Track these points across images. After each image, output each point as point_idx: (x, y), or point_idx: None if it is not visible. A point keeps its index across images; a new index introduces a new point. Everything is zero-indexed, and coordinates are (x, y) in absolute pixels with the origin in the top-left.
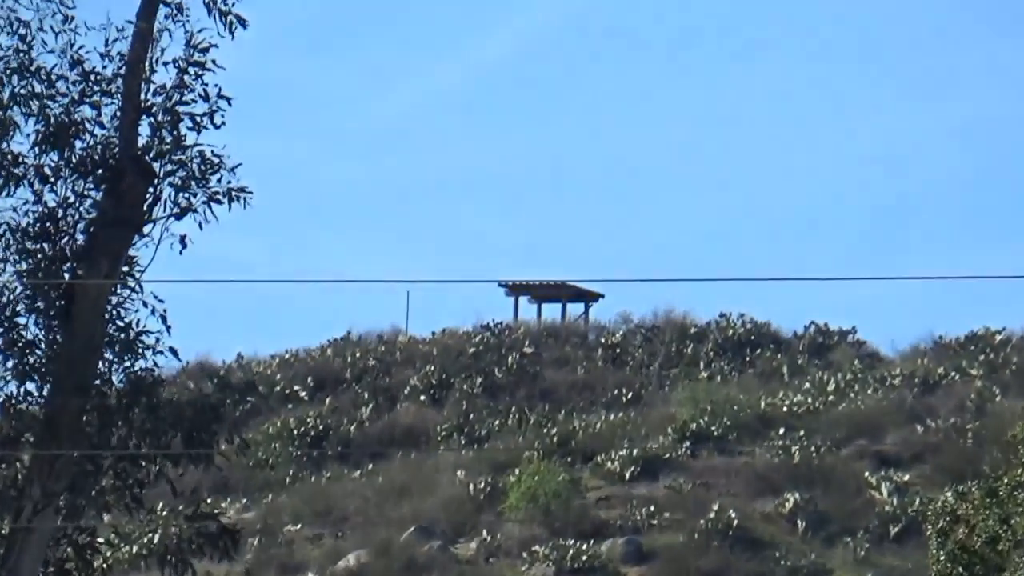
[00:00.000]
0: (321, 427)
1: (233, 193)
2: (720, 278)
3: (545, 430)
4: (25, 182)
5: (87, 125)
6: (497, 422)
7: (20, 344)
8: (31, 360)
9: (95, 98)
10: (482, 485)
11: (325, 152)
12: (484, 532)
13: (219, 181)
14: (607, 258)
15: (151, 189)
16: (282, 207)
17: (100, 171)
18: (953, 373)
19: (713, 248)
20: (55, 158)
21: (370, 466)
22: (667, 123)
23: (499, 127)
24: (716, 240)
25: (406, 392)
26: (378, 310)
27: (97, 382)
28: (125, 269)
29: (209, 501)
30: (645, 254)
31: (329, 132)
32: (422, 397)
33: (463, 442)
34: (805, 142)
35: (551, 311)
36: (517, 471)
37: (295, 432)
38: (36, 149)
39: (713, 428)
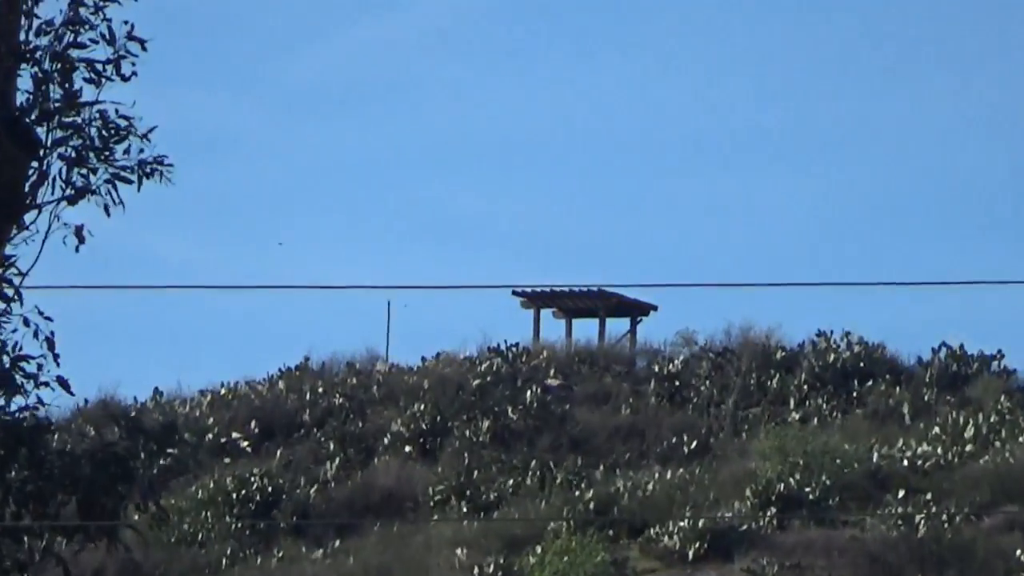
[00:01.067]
0: (270, 489)
1: (147, 167)
2: (816, 282)
3: (578, 492)
4: None
5: None
6: (511, 482)
7: None
8: None
9: None
10: (491, 567)
11: (267, 111)
12: None
13: (128, 152)
14: (661, 257)
15: (34, 163)
16: (216, 186)
17: None
18: None
19: (804, 245)
20: None
21: (337, 542)
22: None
23: (489, 74)
24: (807, 235)
25: (386, 441)
26: (348, 328)
27: None
28: None
29: None
30: (713, 252)
31: (273, 86)
32: (408, 448)
33: (465, 509)
34: (929, 126)
35: (584, 329)
36: (539, 548)
37: (234, 496)
38: None
39: (808, 490)
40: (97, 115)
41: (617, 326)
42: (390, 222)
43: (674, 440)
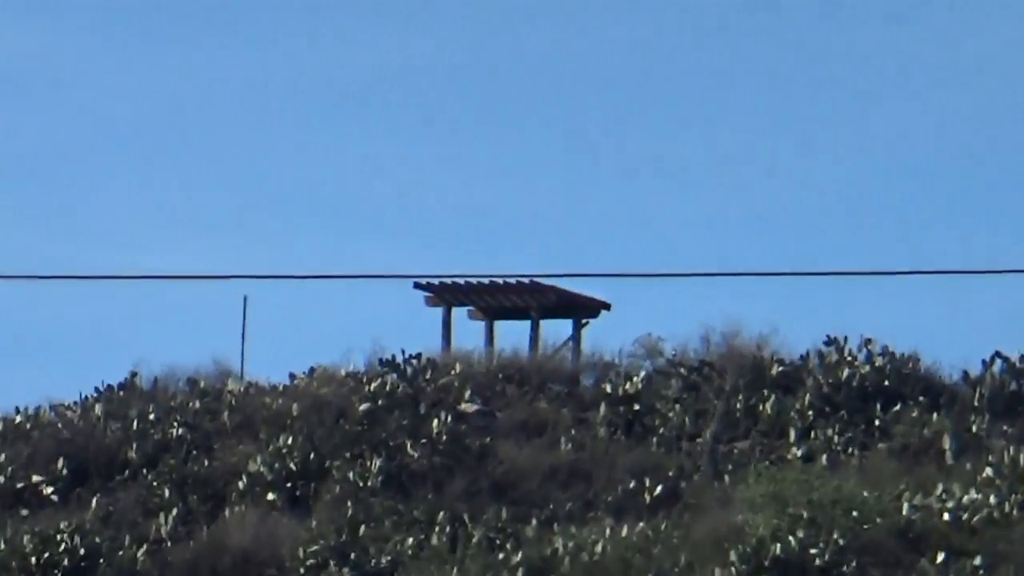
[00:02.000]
0: (83, 551)
1: None
2: (825, 271)
3: (502, 555)
4: None
5: None
6: (411, 540)
7: None
8: None
9: None
10: None
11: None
12: None
13: None
14: (615, 238)
15: None
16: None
17: None
18: None
19: (809, 223)
20: None
21: None
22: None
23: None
24: (814, 210)
25: (241, 485)
26: (189, 333)
27: None
28: None
29: None
30: (685, 232)
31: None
32: (271, 495)
33: None
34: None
35: (512, 334)
36: None
37: (34, 560)
38: None
39: (814, 552)
40: None
41: (556, 330)
42: (230, 195)
43: (632, 485)
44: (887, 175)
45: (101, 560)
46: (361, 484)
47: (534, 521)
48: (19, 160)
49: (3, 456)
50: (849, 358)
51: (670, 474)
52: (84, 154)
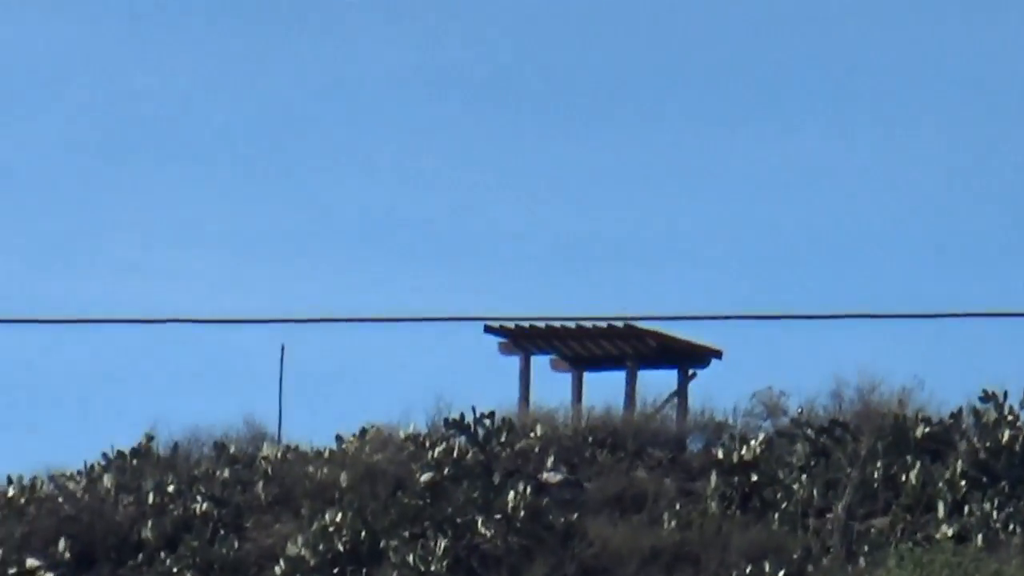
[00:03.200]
0: None
1: None
2: (984, 312)
3: None
4: None
5: None
6: None
7: None
8: None
9: None
10: None
11: None
12: None
13: None
14: (729, 274)
15: None
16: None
17: None
18: None
19: (955, 253)
20: None
21: None
22: None
23: None
24: (955, 239)
25: (279, 572)
26: (216, 389)
27: None
28: None
29: None
30: (812, 265)
31: None
32: None
33: None
34: None
35: (603, 388)
36: None
37: None
38: None
39: None
40: None
41: (657, 383)
42: (264, 218)
43: (749, 570)
44: None
45: None
46: (423, 569)
47: None
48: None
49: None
50: (1010, 416)
51: (794, 556)
52: (83, 162)
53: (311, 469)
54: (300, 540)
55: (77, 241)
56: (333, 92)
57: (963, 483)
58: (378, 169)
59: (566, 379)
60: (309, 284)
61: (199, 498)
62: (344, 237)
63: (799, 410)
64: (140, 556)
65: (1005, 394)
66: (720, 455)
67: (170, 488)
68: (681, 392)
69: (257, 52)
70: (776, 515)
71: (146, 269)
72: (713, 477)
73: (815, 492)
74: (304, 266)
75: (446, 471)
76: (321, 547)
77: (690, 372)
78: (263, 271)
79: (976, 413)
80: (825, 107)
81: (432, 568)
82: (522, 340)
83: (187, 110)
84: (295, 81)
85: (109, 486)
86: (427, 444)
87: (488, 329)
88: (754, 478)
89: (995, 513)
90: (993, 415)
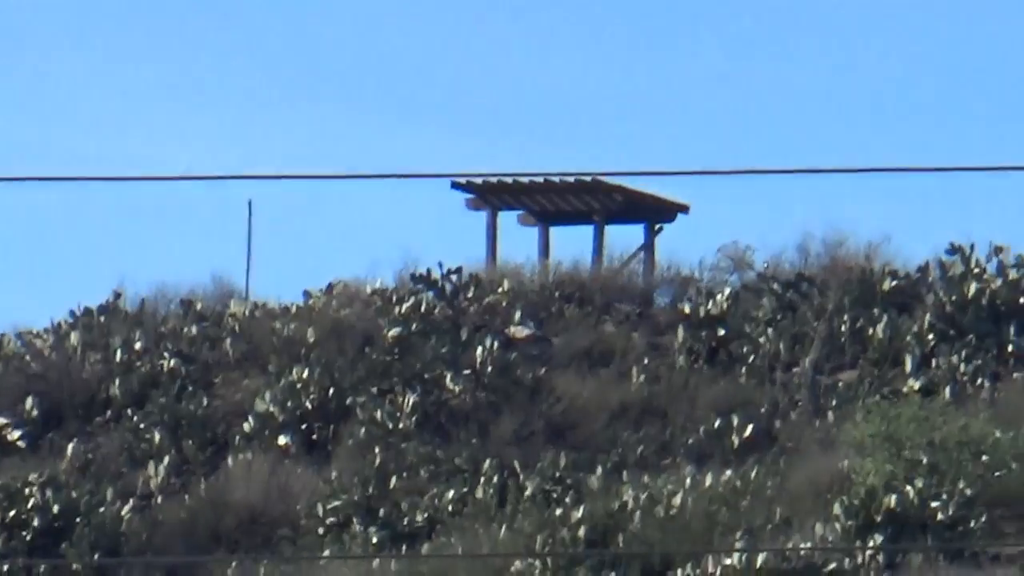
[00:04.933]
0: (57, 507)
1: None
2: (949, 166)
3: (560, 511)
4: None
5: None
6: (451, 494)
7: None
8: None
9: None
10: None
11: None
12: None
13: None
14: (695, 128)
15: None
16: None
17: None
18: None
19: (923, 104)
20: None
21: None
22: None
23: None
24: (920, 93)
25: (247, 428)
26: (182, 245)
27: None
28: None
29: None
30: (776, 119)
31: None
32: (283, 439)
33: (375, 539)
34: None
35: (571, 242)
36: None
37: None
38: None
39: (936, 505)
40: None
41: (624, 238)
42: (229, 69)
43: (717, 424)
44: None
45: (79, 519)
46: (391, 426)
47: (599, 469)
48: None
49: None
50: (977, 270)
51: (762, 411)
52: (46, 15)
53: (278, 325)
54: (268, 396)
55: (46, 93)
56: None
57: (930, 336)
58: (351, 21)
59: (533, 234)
60: (277, 139)
61: (167, 355)
62: (313, 92)
63: (766, 264)
64: (108, 413)
65: (972, 247)
66: (687, 310)
67: (137, 345)
68: (648, 247)
69: None
70: (743, 369)
71: (117, 124)
72: (680, 331)
73: (782, 346)
74: (273, 121)
75: (413, 327)
76: (289, 403)
77: (657, 227)
78: (232, 126)
79: (943, 266)
80: None
81: (400, 424)
82: (489, 196)
83: None
84: None
85: (76, 344)
86: (394, 299)
87: (455, 185)
88: (721, 332)
89: (962, 366)
90: (960, 268)
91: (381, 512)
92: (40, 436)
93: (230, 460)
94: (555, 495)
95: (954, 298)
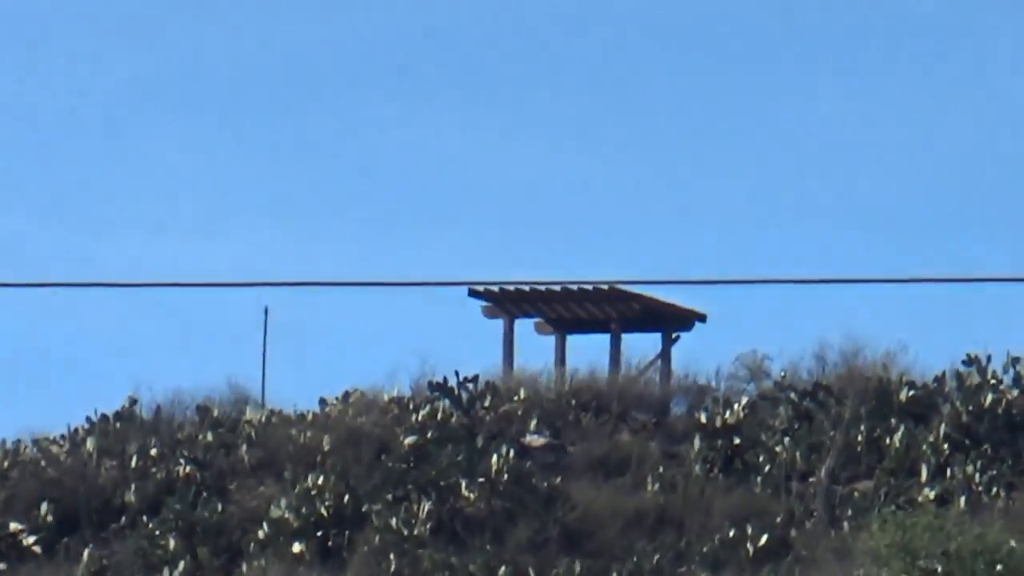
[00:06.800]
0: None
1: None
2: (967, 277)
3: None
4: None
5: None
6: None
7: None
8: None
9: None
10: None
11: None
12: None
13: None
14: (713, 240)
15: None
16: None
17: None
18: None
19: (944, 226)
20: None
21: None
22: None
23: None
24: (940, 205)
25: (262, 535)
26: (199, 352)
27: None
28: None
29: None
30: (796, 233)
31: None
32: (298, 546)
33: None
34: None
35: (587, 351)
36: None
37: None
38: None
39: None
40: None
41: (641, 347)
42: (250, 182)
43: (732, 533)
44: None
45: None
46: (406, 532)
47: (614, 575)
48: None
49: None
50: (993, 380)
51: (777, 520)
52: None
53: (294, 432)
54: (283, 503)
55: (63, 200)
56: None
57: (946, 446)
58: (368, 131)
59: (550, 342)
60: (294, 247)
61: (182, 461)
62: (330, 200)
63: (782, 373)
64: (123, 519)
65: (988, 358)
66: (703, 418)
67: (153, 452)
68: (665, 355)
69: None
70: (759, 478)
71: (132, 228)
72: (696, 440)
73: (798, 455)
74: (289, 229)
75: (430, 434)
76: (304, 510)
77: (674, 335)
78: (249, 234)
79: (959, 377)
80: (816, 69)
81: (415, 531)
82: (506, 303)
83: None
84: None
85: (92, 450)
86: (411, 407)
87: (472, 292)
88: (737, 441)
89: (977, 476)
90: (976, 379)
91: None
92: (55, 542)
93: (245, 567)
94: None
95: (970, 408)
